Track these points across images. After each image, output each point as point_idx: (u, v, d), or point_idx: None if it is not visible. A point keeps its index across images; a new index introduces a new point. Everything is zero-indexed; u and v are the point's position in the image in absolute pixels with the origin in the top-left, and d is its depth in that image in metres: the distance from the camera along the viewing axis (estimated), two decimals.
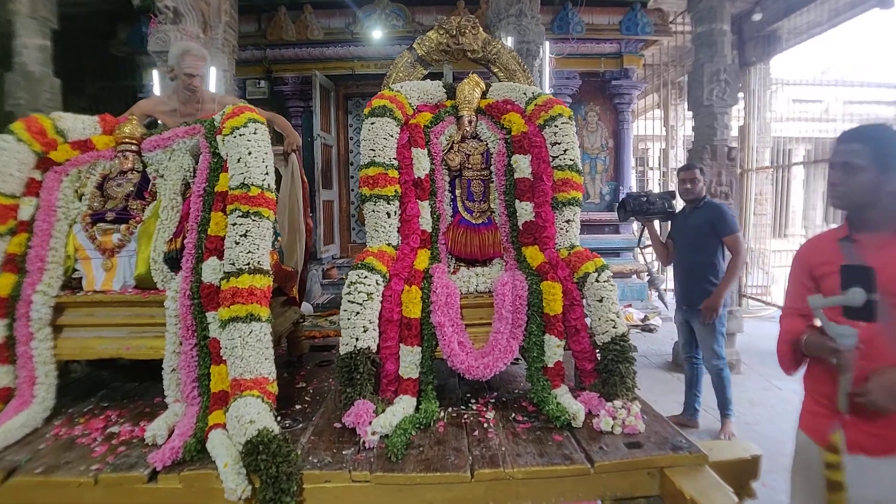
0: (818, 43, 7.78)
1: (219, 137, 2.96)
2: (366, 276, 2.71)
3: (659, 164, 11.53)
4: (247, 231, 2.74)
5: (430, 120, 3.25)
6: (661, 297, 8.61)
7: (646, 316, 7.69)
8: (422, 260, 2.99)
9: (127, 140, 3.21)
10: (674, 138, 11.04)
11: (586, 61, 8.18)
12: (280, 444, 2.16)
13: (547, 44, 4.99)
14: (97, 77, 8.74)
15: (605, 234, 8.12)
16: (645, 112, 12.24)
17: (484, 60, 3.49)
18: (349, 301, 2.67)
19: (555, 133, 3.13)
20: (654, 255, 4.87)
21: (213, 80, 5.67)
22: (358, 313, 2.64)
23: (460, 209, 3.26)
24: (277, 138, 3.36)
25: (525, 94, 3.33)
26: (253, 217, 2.76)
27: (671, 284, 9.75)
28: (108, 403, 3.00)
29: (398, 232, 3.09)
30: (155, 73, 5.75)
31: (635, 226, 7.38)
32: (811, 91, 16.31)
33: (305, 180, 3.64)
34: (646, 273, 8.46)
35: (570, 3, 7.82)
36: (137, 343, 2.92)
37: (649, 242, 4.68)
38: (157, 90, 5.56)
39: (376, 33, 7.83)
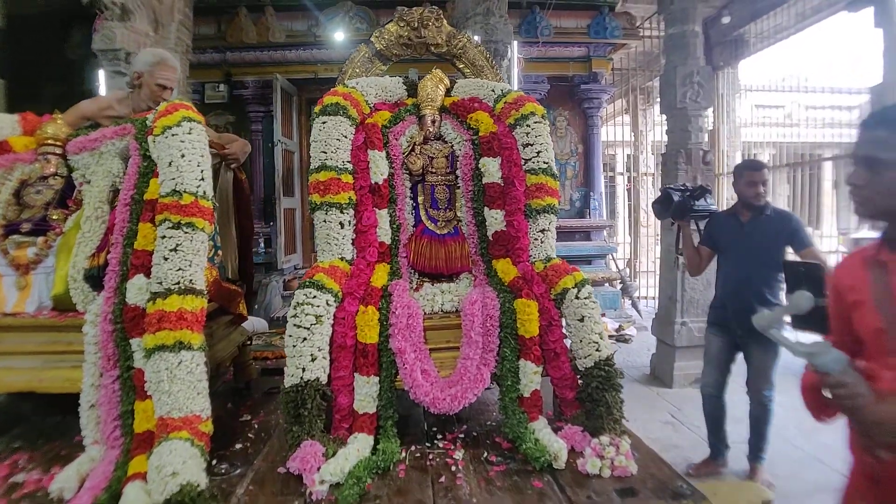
0: (778, 49, 7.68)
1: (150, 138, 2.56)
2: (314, 296, 2.32)
3: (626, 170, 11.32)
4: (177, 245, 2.35)
5: (389, 119, 2.87)
6: (634, 306, 8.37)
7: (620, 326, 7.41)
8: (380, 276, 2.61)
9: (50, 142, 2.78)
10: (642, 143, 10.86)
11: (555, 65, 7.92)
12: None
13: (515, 43, 4.67)
14: (55, 81, 8.16)
15: (577, 241, 7.84)
16: (613, 118, 12.06)
17: (449, 56, 3.13)
18: (295, 325, 2.28)
19: (527, 133, 2.78)
20: (685, 263, 3.89)
21: None
22: (305, 339, 2.26)
23: (423, 218, 2.88)
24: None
25: (493, 91, 2.98)
26: (185, 229, 2.37)
27: (644, 292, 9.63)
28: (21, 444, 2.57)
29: (353, 244, 2.71)
30: (101, 74, 5.26)
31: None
32: (773, 97, 16.40)
33: (246, 183, 3.22)
34: (618, 281, 8.20)
35: (537, 7, 7.55)
36: (52, 374, 2.52)
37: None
38: (102, 92, 5.09)
39: (339, 36, 7.43)
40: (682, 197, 3.45)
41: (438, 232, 2.84)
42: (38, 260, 2.65)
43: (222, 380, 3.45)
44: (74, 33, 7.72)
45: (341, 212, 2.62)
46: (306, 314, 2.28)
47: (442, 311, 2.58)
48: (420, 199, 2.92)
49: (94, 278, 2.49)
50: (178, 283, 2.31)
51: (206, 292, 2.42)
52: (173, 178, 2.42)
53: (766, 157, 14.93)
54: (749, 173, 3.51)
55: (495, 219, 2.76)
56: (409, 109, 2.95)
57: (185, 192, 2.40)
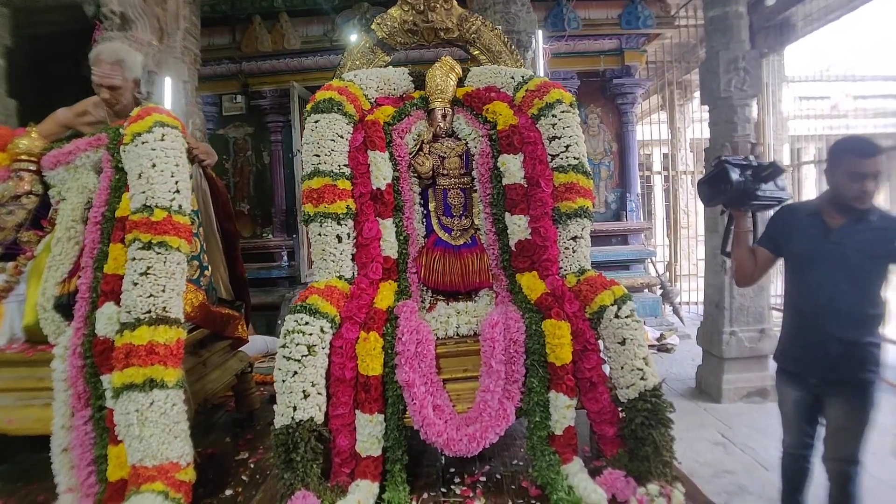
0: (822, 35, 7.11)
1: (122, 148, 2.27)
2: (306, 323, 2.01)
3: (662, 169, 10.80)
4: (148, 268, 2.07)
5: (393, 115, 2.53)
6: (676, 312, 7.85)
7: (661, 335, 6.91)
8: (385, 296, 2.27)
9: (23, 157, 2.53)
10: (679, 141, 10.32)
11: (584, 60, 7.46)
12: None
13: (540, 33, 4.28)
14: (75, 100, 8.08)
15: (613, 245, 7.35)
16: (647, 115, 11.55)
17: (461, 41, 2.78)
18: (284, 357, 1.97)
19: (553, 125, 2.41)
20: (732, 268, 2.70)
21: (169, 92, 5.01)
22: (295, 374, 1.95)
23: (435, 227, 2.54)
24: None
25: (513, 78, 2.62)
26: (156, 249, 2.09)
27: (685, 297, 9.09)
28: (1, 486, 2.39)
29: (352, 260, 2.37)
30: None
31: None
32: (817, 87, 15.64)
33: (221, 183, 2.90)
34: (658, 286, 7.70)
35: None
36: (23, 414, 2.31)
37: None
38: None
39: (356, 39, 7.15)
40: (744, 176, 2.34)
41: (453, 243, 2.49)
42: (8, 287, 2.40)
43: (224, 410, 3.16)
44: (90, 50, 7.63)
45: (338, 223, 2.29)
46: (297, 344, 1.97)
47: (458, 335, 2.24)
48: (431, 205, 2.57)
49: (65, 307, 2.22)
50: (149, 311, 2.03)
51: (183, 321, 2.12)
52: (143, 192, 2.14)
53: (811, 152, 14.22)
54: (854, 160, 2.20)
55: (518, 226, 2.39)
56: (416, 103, 2.61)
57: (156, 206, 2.12)
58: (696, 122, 10.69)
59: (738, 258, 2.48)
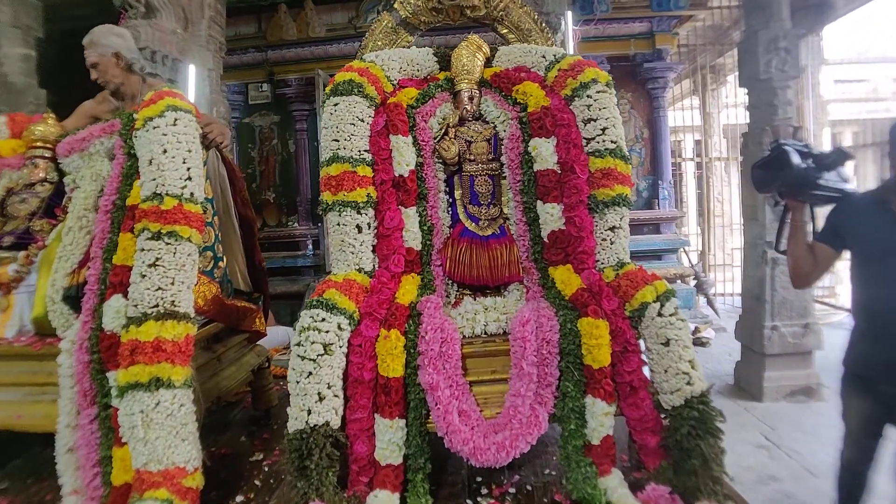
0: (865, 11, 6.65)
1: (134, 133, 2.13)
2: (322, 319, 1.85)
3: (694, 156, 10.40)
4: (157, 259, 1.94)
5: (417, 97, 2.34)
6: (710, 304, 7.55)
7: (696, 328, 6.62)
8: (407, 290, 2.09)
9: (39, 144, 2.42)
10: (711, 126, 9.93)
11: (614, 44, 7.15)
12: None
13: (569, 14, 4.03)
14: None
15: (645, 234, 7.07)
16: (675, 101, 11.15)
17: (488, 19, 2.57)
18: (298, 357, 1.82)
19: (588, 106, 2.20)
20: (789, 264, 2.24)
21: (193, 80, 4.92)
22: (310, 374, 1.79)
23: (461, 217, 2.35)
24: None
25: (545, 56, 2.41)
26: (166, 239, 1.95)
27: (720, 288, 8.76)
28: (8, 485, 2.30)
29: (373, 252, 2.20)
30: None
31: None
32: (855, 70, 15.00)
33: (236, 166, 2.74)
34: (692, 277, 7.40)
35: None
36: (32, 410, 2.20)
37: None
38: None
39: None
40: (805, 163, 2.05)
41: (480, 233, 2.30)
42: (19, 278, 2.28)
43: (241, 407, 3.03)
44: None
45: (358, 212, 2.12)
46: (312, 342, 1.81)
47: (485, 333, 2.06)
48: (457, 193, 2.38)
49: (74, 298, 2.10)
50: (157, 305, 1.89)
51: (193, 316, 1.98)
52: (154, 179, 2.00)
53: (848, 137, 13.65)
54: None
55: (551, 215, 2.19)
56: (442, 85, 2.41)
57: (166, 194, 1.98)
58: (729, 108, 10.30)
59: (794, 255, 2.16)
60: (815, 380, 4.83)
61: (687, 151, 11.31)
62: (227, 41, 6.88)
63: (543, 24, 2.56)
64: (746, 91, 5.15)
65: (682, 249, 7.48)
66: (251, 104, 7.57)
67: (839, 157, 2.02)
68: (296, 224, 7.27)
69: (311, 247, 7.11)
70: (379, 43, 2.54)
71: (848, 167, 2.12)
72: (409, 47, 2.56)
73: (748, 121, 5.13)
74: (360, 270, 2.13)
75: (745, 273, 5.34)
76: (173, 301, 1.92)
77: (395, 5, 2.56)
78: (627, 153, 2.22)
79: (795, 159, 2.00)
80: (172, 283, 1.93)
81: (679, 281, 7.21)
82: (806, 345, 4.83)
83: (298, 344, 1.83)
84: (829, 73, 13.56)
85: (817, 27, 7.44)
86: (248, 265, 2.81)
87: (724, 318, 7.25)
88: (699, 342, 6.38)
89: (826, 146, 7.98)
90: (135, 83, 2.45)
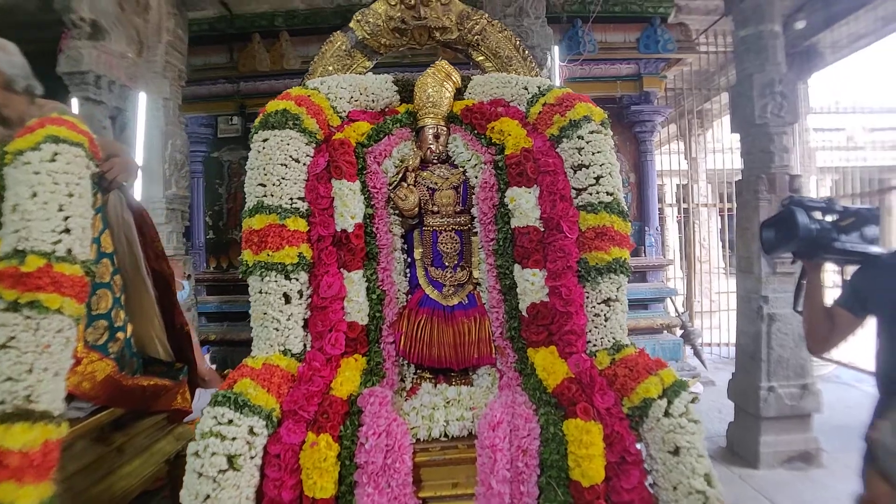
0: (831, 69, 6.47)
1: (3, 170, 1.63)
2: (229, 422, 1.35)
3: (675, 201, 10.11)
4: (9, 339, 1.41)
5: (369, 134, 1.88)
6: (697, 355, 7.09)
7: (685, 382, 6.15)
8: (347, 378, 1.60)
9: None
10: (696, 172, 9.65)
11: (601, 85, 6.83)
12: None
13: (556, 49, 3.66)
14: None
15: (631, 282, 6.64)
16: (660, 146, 10.91)
17: (461, 44, 2.14)
18: (194, 472, 1.29)
19: (580, 150, 1.75)
20: (804, 328, 1.96)
21: (143, 109, 4.45)
22: (208, 499, 1.25)
23: (421, 282, 1.87)
24: None
25: (526, 88, 1.97)
26: (25, 311, 1.43)
27: (707, 336, 8.34)
28: None
29: (304, 328, 1.70)
30: (74, 102, 4.46)
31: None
32: (831, 119, 15.19)
33: (149, 218, 2.21)
34: (679, 327, 6.95)
35: (579, 20, 6.54)
36: None
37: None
38: None
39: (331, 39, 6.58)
40: (821, 224, 1.81)
41: (444, 303, 1.82)
42: None
43: (161, 496, 2.47)
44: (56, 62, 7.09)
45: (286, 277, 1.63)
46: (212, 454, 1.31)
47: (446, 436, 1.55)
48: (416, 252, 1.91)
49: None
50: (2, 402, 1.36)
51: (59, 413, 1.46)
52: (16, 231, 1.49)
53: (828, 184, 13.59)
54: None
55: (532, 283, 1.72)
56: (401, 119, 1.95)
57: (31, 251, 1.47)
58: (713, 153, 10.08)
59: (810, 319, 1.89)
60: (813, 444, 4.37)
61: (668, 197, 11.06)
62: (196, 70, 6.44)
63: (526, 52, 2.14)
64: (740, 137, 4.81)
65: (669, 298, 7.07)
66: (220, 137, 7.10)
67: (862, 219, 1.76)
68: None
69: None
70: (329, 68, 2.10)
71: (874, 226, 1.80)
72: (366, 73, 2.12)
73: (741, 167, 4.77)
74: (285, 353, 1.63)
75: (739, 329, 4.91)
76: (28, 396, 1.41)
77: (352, 24, 2.12)
78: (626, 207, 1.77)
79: (803, 219, 1.73)
80: (30, 372, 1.42)
81: (665, 331, 6.76)
82: (804, 407, 4.38)
83: (195, 455, 1.32)
84: (807, 122, 13.57)
85: (804, 75, 7.24)
86: (168, 329, 2.29)
87: (712, 370, 6.81)
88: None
89: (812, 192, 7.69)
90: (19, 104, 1.95)
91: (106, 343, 1.82)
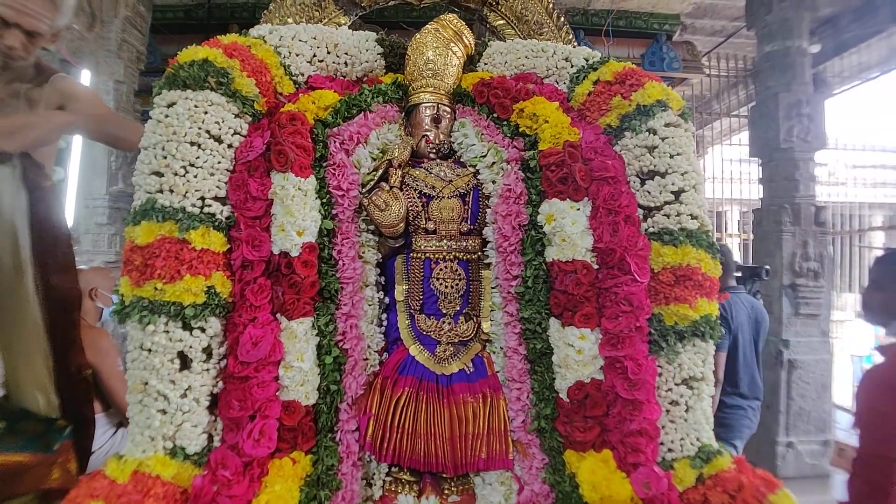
0: (858, 92, 6.17)
1: None
2: None
3: None
4: None
5: (336, 108, 1.21)
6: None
7: None
8: (276, 497, 0.92)
9: None
10: None
11: None
12: None
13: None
14: None
15: None
16: None
17: (475, 2, 1.50)
18: None
19: (651, 148, 1.13)
20: None
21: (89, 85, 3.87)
22: None
23: (405, 336, 1.21)
24: None
25: (568, 59, 1.35)
26: None
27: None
28: None
29: (210, 410, 1.03)
30: None
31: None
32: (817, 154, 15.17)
33: (61, 217, 1.48)
34: None
35: (581, 32, 6.04)
36: None
37: None
38: None
39: None
40: None
41: (438, 371, 1.16)
42: None
43: None
44: None
45: (184, 326, 0.96)
46: None
47: None
48: (399, 291, 1.24)
49: None
50: None
51: None
52: None
53: None
54: None
55: (579, 350, 1.07)
56: (385, 91, 1.30)
57: None
58: (710, 181, 9.71)
59: None
60: None
61: None
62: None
63: (561, 19, 1.51)
64: (760, 162, 4.29)
65: None
66: None
67: None
68: None
69: None
70: (289, 20, 1.44)
71: None
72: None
73: (761, 195, 4.26)
74: (174, 452, 0.95)
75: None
76: None
77: None
78: (713, 239, 1.14)
79: None
80: None
81: None
82: (824, 466, 3.89)
83: None
84: None
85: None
86: (59, 372, 1.58)
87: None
88: None
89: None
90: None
91: None
